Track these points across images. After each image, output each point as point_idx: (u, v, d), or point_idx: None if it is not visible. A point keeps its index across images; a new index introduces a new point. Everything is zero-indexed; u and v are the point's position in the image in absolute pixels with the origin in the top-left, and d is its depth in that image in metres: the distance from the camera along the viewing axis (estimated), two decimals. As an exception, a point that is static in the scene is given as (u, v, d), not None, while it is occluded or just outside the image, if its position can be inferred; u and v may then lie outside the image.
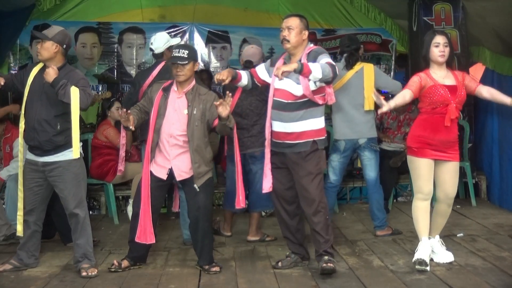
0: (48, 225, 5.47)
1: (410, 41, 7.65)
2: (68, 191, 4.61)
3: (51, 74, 4.42)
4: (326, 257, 4.48)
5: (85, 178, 4.81)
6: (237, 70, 4.77)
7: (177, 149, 4.63)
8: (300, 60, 4.41)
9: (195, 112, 4.59)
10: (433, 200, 4.76)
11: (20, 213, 4.66)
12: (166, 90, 4.68)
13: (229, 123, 4.52)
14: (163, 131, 4.62)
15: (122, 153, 5.34)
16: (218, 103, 4.36)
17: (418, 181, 4.66)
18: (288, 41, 4.53)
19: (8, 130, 6.28)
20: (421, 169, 4.61)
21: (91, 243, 4.76)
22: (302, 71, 4.17)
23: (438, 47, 4.54)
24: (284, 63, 4.58)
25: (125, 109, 4.52)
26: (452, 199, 4.74)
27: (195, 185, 4.61)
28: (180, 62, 4.54)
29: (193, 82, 4.70)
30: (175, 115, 4.61)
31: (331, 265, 4.45)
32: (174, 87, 4.68)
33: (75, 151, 4.55)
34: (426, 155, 4.59)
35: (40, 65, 4.67)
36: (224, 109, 4.36)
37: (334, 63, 4.37)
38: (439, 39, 4.55)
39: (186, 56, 4.55)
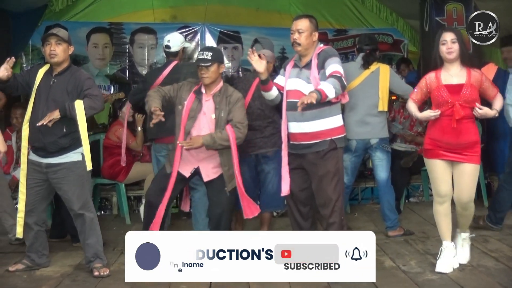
0: (61, 224, 5.49)
1: (421, 41, 7.61)
2: (72, 193, 4.59)
3: (54, 113, 4.39)
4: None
5: (89, 179, 4.77)
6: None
7: (205, 153, 4.64)
8: (310, 62, 4.50)
9: (222, 115, 4.60)
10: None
11: (20, 215, 4.63)
12: (198, 94, 4.68)
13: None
14: (193, 134, 4.62)
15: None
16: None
17: (433, 183, 4.61)
18: (299, 44, 4.54)
19: None
20: (435, 171, 4.54)
21: (101, 242, 4.76)
22: (321, 99, 4.19)
23: (446, 44, 4.44)
24: (295, 64, 4.64)
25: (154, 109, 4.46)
26: (466, 204, 4.51)
27: (225, 189, 4.64)
28: (203, 64, 4.56)
29: (221, 84, 4.71)
30: (204, 119, 4.63)
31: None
32: (202, 90, 4.70)
33: (88, 165, 4.55)
34: (438, 156, 4.52)
35: (46, 67, 4.64)
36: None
37: (341, 73, 4.36)
38: (446, 36, 4.44)
39: (210, 58, 4.57)
